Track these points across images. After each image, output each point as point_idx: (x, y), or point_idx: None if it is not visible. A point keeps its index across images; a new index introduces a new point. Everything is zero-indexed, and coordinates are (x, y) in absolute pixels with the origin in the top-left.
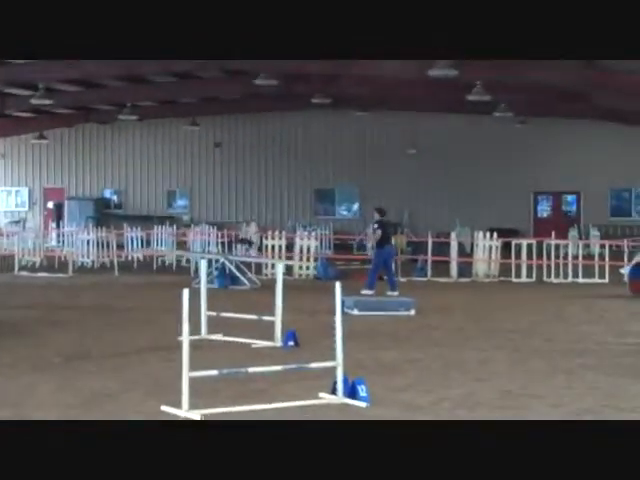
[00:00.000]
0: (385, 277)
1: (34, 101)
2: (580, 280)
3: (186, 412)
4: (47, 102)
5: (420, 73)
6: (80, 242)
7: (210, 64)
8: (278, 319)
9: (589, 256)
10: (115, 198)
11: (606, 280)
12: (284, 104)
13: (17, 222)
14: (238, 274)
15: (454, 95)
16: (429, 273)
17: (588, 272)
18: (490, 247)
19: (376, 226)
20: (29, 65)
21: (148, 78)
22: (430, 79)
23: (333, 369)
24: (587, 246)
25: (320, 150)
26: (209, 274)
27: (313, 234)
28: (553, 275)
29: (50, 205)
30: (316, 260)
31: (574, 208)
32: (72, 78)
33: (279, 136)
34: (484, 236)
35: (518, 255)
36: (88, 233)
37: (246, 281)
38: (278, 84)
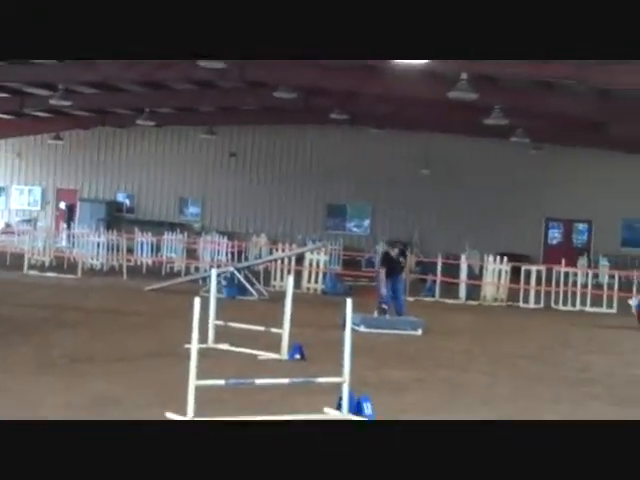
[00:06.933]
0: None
1: (53, 102)
2: (588, 309)
3: (191, 420)
4: (65, 103)
5: (439, 94)
6: (90, 244)
7: (230, 73)
8: (286, 331)
9: (598, 285)
10: (127, 202)
11: (614, 310)
12: (302, 118)
13: (29, 221)
14: (247, 285)
15: (471, 118)
16: (437, 294)
17: (596, 301)
18: (499, 271)
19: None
20: (49, 66)
21: (168, 84)
22: (449, 100)
23: (339, 385)
24: (596, 275)
25: (334, 165)
26: (217, 283)
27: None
28: (561, 302)
29: (62, 206)
30: (325, 275)
31: (585, 237)
32: (92, 80)
33: (294, 149)
34: (494, 260)
35: (527, 281)
36: (99, 235)
37: (254, 292)
38: (297, 97)
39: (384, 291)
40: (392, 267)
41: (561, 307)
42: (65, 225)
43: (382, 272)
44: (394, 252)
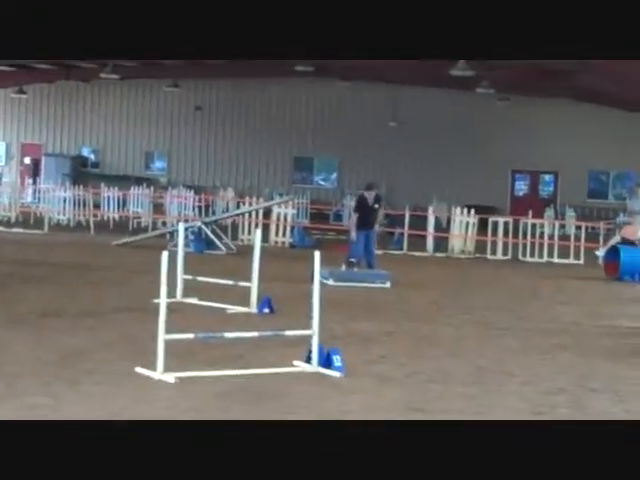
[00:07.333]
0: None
1: None
2: (555, 260)
3: (160, 374)
4: None
5: None
6: (56, 199)
7: None
8: (255, 285)
9: (565, 236)
10: (93, 157)
11: (581, 261)
12: (267, 70)
13: None
14: (214, 239)
15: (437, 69)
16: (405, 246)
17: (563, 252)
18: (467, 223)
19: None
20: None
21: None
22: None
23: (308, 337)
24: (563, 226)
25: (301, 118)
26: (185, 237)
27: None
28: (528, 254)
29: (27, 161)
30: (293, 228)
31: (551, 188)
32: None
33: (260, 102)
34: (461, 212)
35: (494, 232)
36: (64, 191)
37: (222, 246)
38: None
39: (354, 236)
40: (367, 214)
41: (528, 259)
42: (30, 180)
43: (354, 217)
44: (370, 197)
